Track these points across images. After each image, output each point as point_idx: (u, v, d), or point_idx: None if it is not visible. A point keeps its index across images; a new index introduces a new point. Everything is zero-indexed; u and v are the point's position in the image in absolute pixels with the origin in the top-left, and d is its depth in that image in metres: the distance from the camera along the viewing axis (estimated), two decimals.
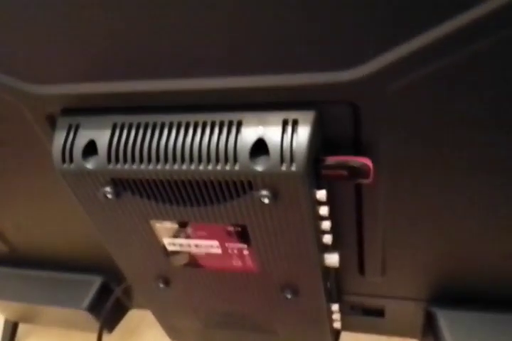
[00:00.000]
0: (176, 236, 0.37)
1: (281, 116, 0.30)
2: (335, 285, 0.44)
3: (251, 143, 0.30)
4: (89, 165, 0.32)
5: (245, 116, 0.30)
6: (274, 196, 0.31)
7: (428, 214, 0.34)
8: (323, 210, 0.34)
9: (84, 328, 0.55)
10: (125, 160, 0.32)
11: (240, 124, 0.30)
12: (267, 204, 0.31)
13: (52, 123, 0.35)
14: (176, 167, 0.31)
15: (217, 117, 0.31)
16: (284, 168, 0.29)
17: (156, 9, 0.27)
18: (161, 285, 0.42)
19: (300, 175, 0.29)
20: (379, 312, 0.47)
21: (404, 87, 0.27)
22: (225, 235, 0.36)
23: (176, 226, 0.36)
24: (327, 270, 0.40)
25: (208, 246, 0.37)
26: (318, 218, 0.34)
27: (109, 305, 0.50)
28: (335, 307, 0.44)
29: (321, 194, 0.32)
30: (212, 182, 0.31)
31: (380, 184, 0.33)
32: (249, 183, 0.31)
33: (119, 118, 0.32)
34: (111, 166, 0.32)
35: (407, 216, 0.35)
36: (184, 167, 0.31)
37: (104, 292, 0.51)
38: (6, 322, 0.68)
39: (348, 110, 0.29)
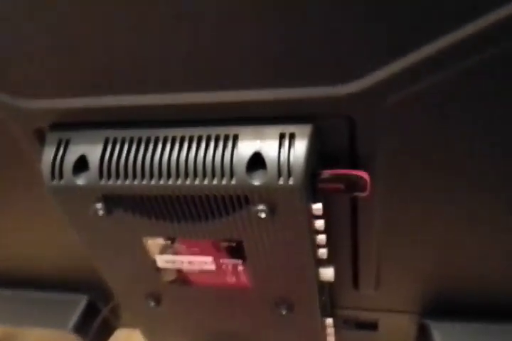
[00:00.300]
0: (168, 252, 0.36)
1: (278, 129, 0.29)
2: (328, 299, 0.43)
3: (247, 157, 0.29)
4: (80, 181, 0.32)
5: (241, 130, 0.30)
6: (271, 210, 0.30)
7: (424, 227, 0.35)
8: (319, 224, 0.33)
9: None
10: (118, 176, 0.31)
11: (236, 138, 0.30)
12: (263, 218, 0.31)
13: (40, 138, 0.34)
14: (170, 182, 0.30)
15: (213, 131, 0.30)
16: (281, 181, 0.29)
17: (145, 23, 0.27)
18: (152, 304, 0.41)
19: (298, 189, 0.29)
20: (372, 326, 0.47)
21: (401, 101, 0.27)
22: (219, 251, 0.35)
23: (168, 242, 0.35)
24: (321, 284, 0.39)
25: (201, 263, 0.37)
26: (314, 232, 0.34)
27: (96, 325, 0.48)
28: (329, 321, 0.44)
29: (317, 207, 0.32)
30: (207, 197, 0.31)
31: (376, 197, 0.33)
32: (246, 198, 0.30)
33: (112, 133, 0.32)
34: (103, 182, 0.31)
35: (402, 229, 0.35)
36: (179, 182, 0.30)
37: (90, 311, 0.50)
38: None
39: (344, 124, 0.29)
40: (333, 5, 0.24)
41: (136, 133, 0.31)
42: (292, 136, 0.29)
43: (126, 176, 0.31)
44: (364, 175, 0.30)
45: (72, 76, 0.31)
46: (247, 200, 0.30)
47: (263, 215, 0.30)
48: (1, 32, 0.29)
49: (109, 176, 0.31)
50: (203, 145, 0.30)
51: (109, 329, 0.54)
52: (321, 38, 0.26)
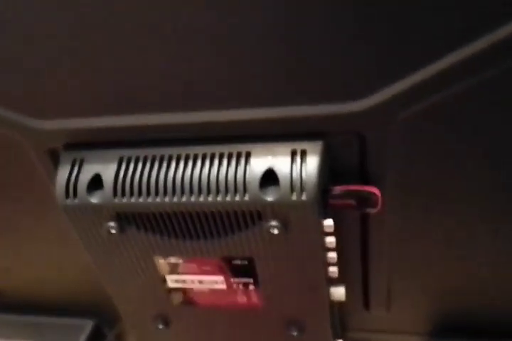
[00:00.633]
0: (179, 272, 0.36)
1: (289, 146, 0.30)
2: (339, 320, 0.43)
3: (260, 174, 0.30)
4: (94, 199, 0.32)
5: (254, 147, 0.30)
6: (284, 226, 0.31)
7: (436, 245, 0.35)
8: (330, 241, 0.33)
9: None
10: (132, 194, 0.31)
11: (248, 155, 0.30)
12: (276, 235, 0.31)
13: (54, 158, 0.35)
14: (184, 199, 0.31)
15: (226, 149, 0.31)
16: (294, 197, 0.29)
17: (156, 43, 0.28)
18: (160, 326, 0.41)
19: (311, 204, 0.29)
20: None
21: (410, 117, 0.28)
22: (230, 269, 0.35)
23: (180, 261, 0.35)
24: (332, 304, 0.39)
25: (212, 282, 0.36)
26: (325, 249, 0.34)
27: None
28: None
29: (329, 224, 0.32)
30: (220, 214, 0.31)
31: (386, 213, 0.33)
32: (259, 214, 0.31)
33: (126, 152, 0.32)
34: (117, 200, 0.32)
35: (413, 247, 0.35)
36: (193, 199, 0.31)
37: (96, 336, 0.49)
38: None
39: (354, 140, 0.30)
40: (343, 25, 0.25)
41: (149, 151, 0.32)
42: (304, 153, 0.30)
43: (140, 194, 0.31)
44: (375, 190, 0.31)
45: (86, 97, 0.31)
46: (259, 216, 0.31)
47: (276, 231, 0.31)
48: (16, 53, 0.30)
49: (123, 194, 0.31)
50: (216, 162, 0.31)
51: None
52: (332, 57, 0.27)
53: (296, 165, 0.30)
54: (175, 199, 0.31)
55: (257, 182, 0.30)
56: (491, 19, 0.24)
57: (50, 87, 0.31)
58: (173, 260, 0.35)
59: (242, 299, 0.37)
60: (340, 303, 0.41)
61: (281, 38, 0.27)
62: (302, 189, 0.29)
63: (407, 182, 0.32)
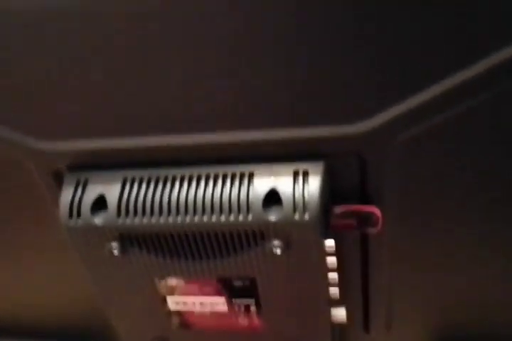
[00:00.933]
0: (180, 293, 0.36)
1: (291, 167, 0.31)
2: None
3: (263, 194, 0.30)
4: (98, 220, 0.32)
5: (257, 168, 0.31)
6: (286, 246, 0.31)
7: (436, 265, 0.35)
8: (331, 261, 0.34)
9: None
10: (135, 214, 0.32)
11: (251, 176, 0.31)
12: (278, 255, 0.31)
13: (57, 179, 0.35)
14: (188, 219, 0.31)
15: (229, 169, 0.31)
16: (297, 217, 0.30)
17: (157, 66, 0.29)
18: None
19: (313, 224, 0.30)
20: None
21: (410, 138, 0.29)
22: (231, 290, 0.35)
23: (181, 282, 0.35)
24: (333, 326, 0.39)
25: (213, 304, 0.36)
26: (327, 270, 0.34)
27: None
28: None
29: (330, 244, 0.33)
30: (224, 234, 0.31)
31: (386, 233, 0.33)
32: (262, 234, 0.31)
33: (130, 173, 0.33)
34: (120, 220, 0.32)
35: (414, 267, 0.36)
36: (196, 219, 0.31)
37: None
38: None
39: (355, 161, 0.31)
40: (343, 49, 0.27)
41: (154, 172, 0.32)
42: (306, 173, 0.30)
43: (144, 214, 0.32)
44: (376, 211, 0.31)
45: (90, 118, 0.32)
46: (262, 236, 0.31)
47: (278, 251, 0.31)
48: (20, 74, 0.31)
49: (127, 215, 0.32)
50: (220, 182, 0.31)
51: None
52: (332, 80, 0.28)
53: (299, 186, 0.30)
54: (178, 219, 0.31)
55: (260, 202, 0.30)
56: (490, 43, 0.25)
57: (54, 108, 0.32)
58: (174, 281, 0.35)
59: (243, 321, 0.37)
60: (340, 325, 0.41)
61: (282, 62, 0.28)
62: (305, 208, 0.30)
63: (406, 203, 0.32)
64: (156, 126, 0.32)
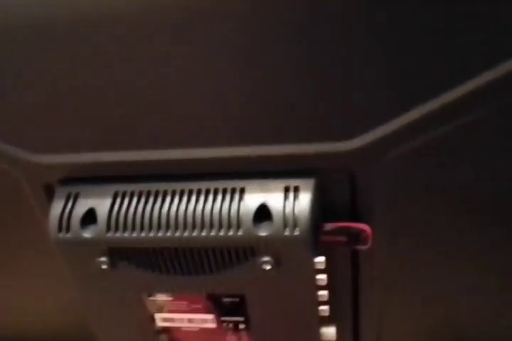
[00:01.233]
0: (168, 310, 0.36)
1: (282, 183, 0.31)
2: None
3: (254, 209, 0.30)
4: (87, 233, 0.32)
5: (248, 184, 0.31)
6: (276, 262, 0.31)
7: (426, 282, 0.35)
8: (322, 278, 0.34)
9: None
10: (125, 229, 0.32)
11: (242, 191, 0.31)
12: (268, 271, 0.31)
13: (48, 192, 0.35)
14: (177, 234, 0.31)
15: (220, 185, 0.32)
16: (287, 232, 0.30)
17: (149, 80, 0.29)
18: None
19: (303, 239, 0.30)
20: None
21: (400, 155, 0.29)
22: (220, 307, 0.35)
23: (169, 298, 0.35)
24: None
25: (202, 321, 0.36)
26: (317, 287, 0.34)
27: None
28: None
29: (320, 261, 0.33)
30: (213, 250, 0.31)
31: (377, 250, 0.33)
32: (251, 249, 0.31)
33: (121, 187, 0.33)
34: (110, 234, 0.32)
35: (404, 284, 0.35)
36: (186, 234, 0.31)
37: None
38: None
39: (345, 177, 0.31)
40: (332, 68, 0.27)
41: (144, 186, 0.32)
42: (297, 189, 0.31)
43: (134, 228, 0.31)
44: (365, 227, 0.31)
45: (82, 132, 0.32)
46: (252, 252, 0.31)
47: (268, 267, 0.31)
48: (19, 89, 0.31)
49: (116, 229, 0.32)
50: (211, 198, 0.31)
51: None
52: (323, 98, 0.28)
53: (289, 201, 0.30)
54: (168, 234, 0.31)
55: (250, 218, 0.30)
56: (482, 60, 0.25)
57: (47, 121, 0.32)
58: (162, 297, 0.35)
59: (231, 338, 0.36)
60: None
61: (272, 80, 0.28)
62: (295, 224, 0.30)
63: (395, 220, 0.33)
64: (148, 141, 0.32)
